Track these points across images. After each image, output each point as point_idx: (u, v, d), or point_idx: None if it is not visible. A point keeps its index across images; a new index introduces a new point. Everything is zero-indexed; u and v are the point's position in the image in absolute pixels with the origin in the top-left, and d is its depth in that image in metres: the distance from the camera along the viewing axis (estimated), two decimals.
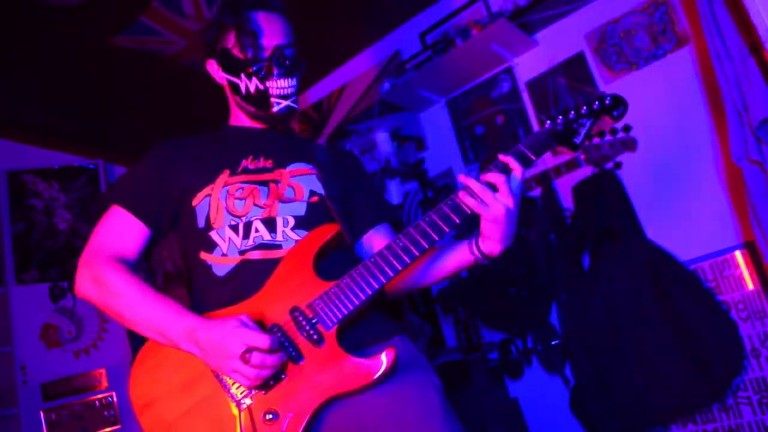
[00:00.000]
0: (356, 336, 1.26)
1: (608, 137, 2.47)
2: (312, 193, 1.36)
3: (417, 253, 1.17)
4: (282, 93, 1.38)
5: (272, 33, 1.38)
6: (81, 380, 3.16)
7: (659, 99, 2.68)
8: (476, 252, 1.23)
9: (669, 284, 2.31)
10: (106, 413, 3.17)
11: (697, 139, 2.60)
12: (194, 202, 1.34)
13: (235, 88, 1.41)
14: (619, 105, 1.27)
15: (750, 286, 2.46)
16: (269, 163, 1.39)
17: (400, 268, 1.17)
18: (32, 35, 2.68)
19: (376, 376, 1.14)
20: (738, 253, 2.49)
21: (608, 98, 1.27)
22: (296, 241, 1.28)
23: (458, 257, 1.28)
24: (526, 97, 3.10)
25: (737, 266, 2.49)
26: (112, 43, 2.85)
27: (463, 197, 1.16)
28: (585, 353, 2.47)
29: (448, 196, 1.17)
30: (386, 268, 1.17)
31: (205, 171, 1.37)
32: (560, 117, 1.27)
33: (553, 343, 2.76)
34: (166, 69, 3.14)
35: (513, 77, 3.14)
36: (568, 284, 2.61)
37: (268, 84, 1.37)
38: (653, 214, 2.64)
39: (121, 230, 1.33)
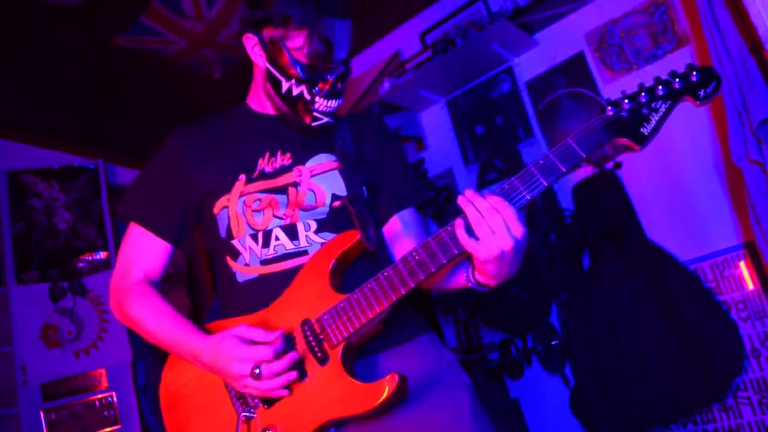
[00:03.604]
0: (381, 338, 1.20)
1: None
2: (335, 197, 1.27)
3: (433, 269, 1.06)
4: (326, 110, 1.28)
5: (341, 45, 1.24)
6: (81, 380, 3.15)
7: None
8: (472, 279, 1.12)
9: (669, 284, 2.31)
10: (106, 413, 3.17)
11: (697, 139, 2.60)
12: (214, 210, 1.30)
13: (274, 81, 1.28)
14: (710, 81, 0.99)
15: (750, 286, 2.46)
16: (287, 159, 1.30)
17: (413, 285, 1.07)
18: (32, 35, 2.67)
19: (378, 403, 1.04)
20: (738, 254, 2.49)
21: (695, 73, 0.99)
22: (322, 244, 1.22)
23: (456, 280, 1.17)
24: (526, 97, 3.10)
25: (737, 266, 2.49)
26: (112, 43, 2.85)
27: (458, 229, 1.02)
28: (585, 353, 2.47)
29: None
30: (398, 285, 1.07)
31: (220, 176, 1.30)
32: (627, 100, 1.02)
33: (553, 343, 2.76)
34: (166, 69, 3.14)
35: (513, 77, 3.14)
36: (568, 284, 2.61)
37: (317, 99, 1.25)
38: (653, 214, 2.64)
39: (142, 250, 1.34)
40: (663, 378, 2.25)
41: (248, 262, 1.27)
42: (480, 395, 1.25)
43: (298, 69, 1.23)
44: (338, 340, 1.10)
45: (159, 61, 3.06)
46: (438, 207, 2.97)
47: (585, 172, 2.65)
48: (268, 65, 1.27)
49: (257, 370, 1.07)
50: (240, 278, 1.28)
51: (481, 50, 2.96)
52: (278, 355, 1.09)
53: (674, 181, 2.66)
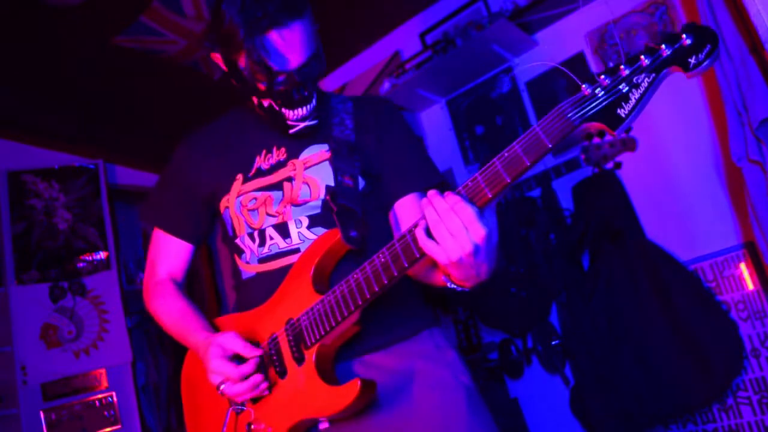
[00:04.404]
0: (381, 334, 1.20)
1: (608, 137, 2.47)
2: (329, 189, 1.26)
3: (395, 273, 1.00)
4: (299, 117, 1.24)
5: (288, 53, 1.17)
6: (81, 380, 3.15)
7: (659, 99, 2.67)
8: (448, 280, 1.05)
9: (669, 284, 2.31)
10: (106, 413, 3.17)
11: (697, 139, 2.60)
12: (221, 210, 1.35)
13: (248, 92, 1.27)
14: (704, 43, 0.79)
15: (750, 286, 2.46)
16: (282, 154, 1.30)
17: (377, 289, 1.02)
18: (32, 35, 2.67)
19: (339, 409, 1.05)
20: (738, 254, 2.49)
21: (686, 36, 0.80)
22: (314, 240, 1.21)
23: (436, 278, 1.12)
24: (526, 97, 3.10)
25: (737, 266, 2.49)
26: (112, 43, 2.85)
27: (418, 231, 0.95)
28: (585, 353, 2.47)
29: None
30: (364, 288, 1.04)
31: (219, 178, 1.34)
32: (604, 75, 0.86)
33: (553, 343, 2.76)
34: (166, 69, 3.14)
35: (513, 77, 3.14)
36: (568, 284, 2.61)
37: (284, 111, 1.23)
38: (653, 214, 2.64)
39: (163, 251, 1.42)
40: (663, 378, 2.25)
41: (249, 260, 1.31)
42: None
43: (253, 86, 1.21)
44: (311, 342, 1.11)
45: (159, 61, 3.06)
46: None
47: (585, 172, 2.65)
48: (235, 82, 1.27)
49: (222, 386, 1.14)
50: (244, 275, 1.33)
51: (481, 50, 2.96)
52: (244, 378, 1.13)
53: (674, 181, 2.66)
